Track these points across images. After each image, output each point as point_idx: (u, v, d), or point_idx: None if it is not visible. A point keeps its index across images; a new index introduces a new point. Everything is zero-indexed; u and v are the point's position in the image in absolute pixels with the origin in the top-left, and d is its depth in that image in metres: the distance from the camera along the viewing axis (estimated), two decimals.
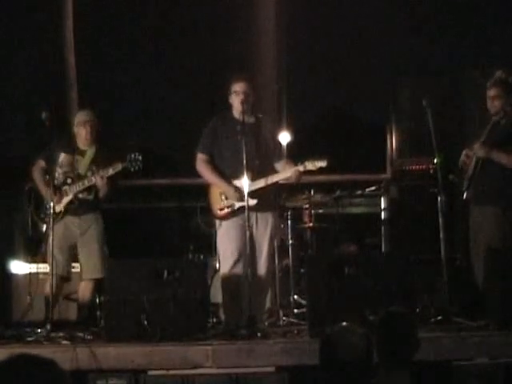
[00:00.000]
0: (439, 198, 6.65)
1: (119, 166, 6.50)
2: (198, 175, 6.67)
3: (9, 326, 6.69)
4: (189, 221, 8.24)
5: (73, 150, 6.76)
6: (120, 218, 9.04)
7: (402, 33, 9.52)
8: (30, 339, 6.09)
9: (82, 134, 6.74)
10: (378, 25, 9.55)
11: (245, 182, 6.25)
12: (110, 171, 6.52)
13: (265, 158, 6.44)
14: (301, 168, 6.30)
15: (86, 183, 6.62)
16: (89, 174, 6.66)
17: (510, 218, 6.42)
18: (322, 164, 6.27)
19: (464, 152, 6.57)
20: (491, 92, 6.52)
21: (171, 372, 5.63)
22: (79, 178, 6.67)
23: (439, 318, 6.44)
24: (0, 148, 9.41)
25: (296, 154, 6.47)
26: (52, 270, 6.40)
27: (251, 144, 6.32)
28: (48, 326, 6.17)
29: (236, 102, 6.42)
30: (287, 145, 8.29)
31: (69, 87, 9.00)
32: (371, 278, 6.01)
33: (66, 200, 6.64)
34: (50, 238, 6.45)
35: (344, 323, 3.66)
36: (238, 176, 6.33)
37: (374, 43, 9.64)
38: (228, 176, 6.43)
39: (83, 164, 6.72)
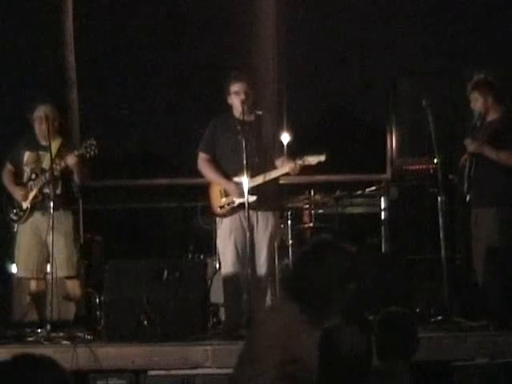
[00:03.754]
0: (439, 198, 6.64)
1: (75, 154, 6.47)
2: (198, 175, 6.66)
3: (9, 326, 6.68)
4: (189, 221, 8.24)
5: (36, 146, 6.70)
6: (120, 218, 9.06)
7: (402, 32, 9.53)
8: (30, 339, 6.10)
9: (40, 129, 6.65)
10: (378, 24, 9.56)
11: (245, 181, 6.24)
12: (69, 161, 6.48)
13: (265, 156, 6.42)
14: (300, 162, 6.27)
15: (48, 176, 6.54)
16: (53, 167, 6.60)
17: (509, 218, 6.42)
18: (321, 158, 6.22)
19: (463, 157, 6.59)
20: (473, 95, 6.59)
21: (171, 372, 5.63)
22: (42, 172, 6.62)
23: (439, 317, 6.44)
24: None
25: (296, 153, 6.45)
26: (49, 271, 6.41)
27: (251, 143, 6.31)
28: (48, 326, 6.18)
29: (236, 101, 6.39)
30: (287, 145, 8.29)
31: (69, 87, 9.00)
32: (371, 278, 6.01)
33: (31, 195, 6.59)
34: (19, 237, 6.50)
35: (342, 322, 3.66)
36: (237, 174, 6.32)
37: (373, 43, 9.65)
38: (229, 175, 6.43)
39: (47, 158, 6.60)
